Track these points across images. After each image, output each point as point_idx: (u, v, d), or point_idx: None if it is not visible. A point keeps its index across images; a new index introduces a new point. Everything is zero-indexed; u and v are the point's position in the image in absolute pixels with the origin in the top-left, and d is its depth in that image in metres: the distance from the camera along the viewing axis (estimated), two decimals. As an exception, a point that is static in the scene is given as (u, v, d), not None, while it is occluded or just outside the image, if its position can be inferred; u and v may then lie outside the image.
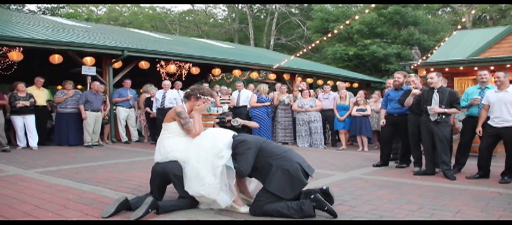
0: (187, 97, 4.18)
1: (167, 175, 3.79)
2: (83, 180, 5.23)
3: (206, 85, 4.50)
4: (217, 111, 9.73)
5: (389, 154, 7.06)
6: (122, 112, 10.63)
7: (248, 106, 10.57)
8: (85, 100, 9.39)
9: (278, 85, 11.63)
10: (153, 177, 3.92)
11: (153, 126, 10.45)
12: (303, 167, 3.69)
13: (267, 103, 10.31)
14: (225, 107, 10.35)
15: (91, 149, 9.09)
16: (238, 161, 3.66)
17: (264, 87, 10.57)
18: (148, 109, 10.58)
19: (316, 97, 10.75)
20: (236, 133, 3.93)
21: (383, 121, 7.01)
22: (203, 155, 3.69)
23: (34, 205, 3.90)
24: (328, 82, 16.93)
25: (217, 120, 6.07)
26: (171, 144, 3.90)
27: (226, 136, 3.81)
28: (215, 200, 3.63)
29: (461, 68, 11.14)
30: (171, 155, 3.86)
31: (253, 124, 6.61)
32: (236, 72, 14.71)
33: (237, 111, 10.20)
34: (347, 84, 17.01)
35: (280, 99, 10.80)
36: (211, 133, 3.88)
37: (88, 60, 10.25)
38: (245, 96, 10.74)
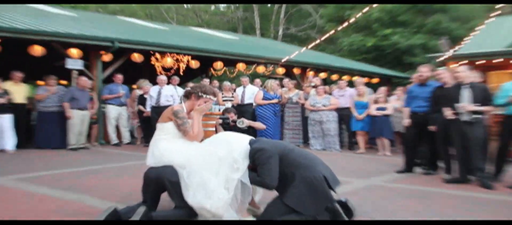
0: (186, 96, 4.17)
1: (162, 181, 3.73)
2: (67, 188, 5.20)
3: (206, 81, 4.46)
4: (219, 110, 9.67)
5: (414, 159, 6.99)
6: (112, 111, 10.61)
7: (254, 104, 10.50)
8: (70, 97, 9.36)
9: (286, 80, 11.54)
10: (146, 184, 3.88)
11: (146, 127, 10.41)
12: (328, 179, 3.57)
13: (274, 101, 10.21)
14: (228, 105, 10.27)
15: (76, 152, 9.07)
16: (261, 173, 3.54)
17: (271, 83, 10.45)
18: (141, 107, 10.54)
19: (330, 94, 10.65)
20: (253, 138, 3.84)
21: (407, 121, 6.94)
22: (215, 164, 3.62)
23: (9, 217, 3.85)
24: (344, 77, 16.80)
25: (220, 121, 5.99)
26: (167, 146, 3.85)
27: (243, 143, 3.72)
28: (222, 216, 3.55)
29: (498, 60, 10.97)
30: (166, 158, 3.80)
31: (259, 125, 6.54)
32: (240, 66, 14.67)
33: (241, 109, 10.13)
34: (366, 79, 16.84)
35: (287, 96, 10.71)
36: (225, 139, 3.81)
37: (74, 52, 10.23)
38: (251, 93, 10.68)
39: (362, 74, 17.26)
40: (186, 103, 4.12)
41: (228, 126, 5.87)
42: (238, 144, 3.68)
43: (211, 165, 3.62)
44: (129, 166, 7.25)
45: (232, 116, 6.18)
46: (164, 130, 3.93)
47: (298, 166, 3.57)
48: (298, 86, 13.05)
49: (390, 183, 6.00)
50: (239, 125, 5.82)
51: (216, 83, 12.25)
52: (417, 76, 7.17)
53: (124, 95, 10.80)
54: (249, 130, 6.05)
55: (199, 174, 3.61)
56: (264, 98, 10.17)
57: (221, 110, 9.19)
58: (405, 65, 23.72)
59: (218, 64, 14.27)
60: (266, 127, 9.06)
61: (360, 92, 10.09)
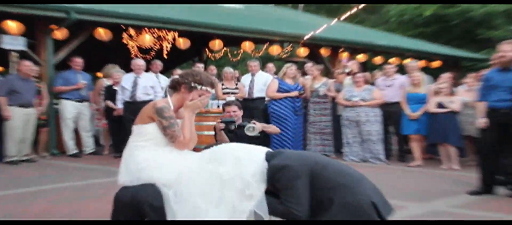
0: (174, 87, 4.20)
1: (140, 206, 3.74)
2: (5, 216, 5.22)
3: (200, 66, 4.52)
4: (218, 106, 9.67)
5: (494, 175, 6.94)
6: (69, 108, 10.65)
7: (266, 99, 10.48)
8: (8, 89, 9.36)
9: (309, 65, 11.50)
10: (117, 210, 3.90)
11: (118, 130, 10.45)
12: (377, 206, 3.56)
13: (294, 93, 10.18)
14: (231, 100, 10.28)
15: (18, 166, 9.13)
16: (285, 201, 3.54)
17: (288, 70, 10.43)
18: (109, 103, 10.56)
19: (372, 84, 10.61)
20: (269, 150, 3.84)
21: (482, 121, 6.90)
22: (216, 187, 3.63)
23: None
24: (392, 60, 16.80)
25: (222, 125, 5.95)
26: (147, 157, 3.87)
27: (257, 158, 3.73)
28: None
29: None
30: (146, 174, 3.82)
31: (273, 128, 6.52)
32: (247, 46, 14.70)
33: (249, 105, 10.13)
34: (423, 63, 16.87)
35: (312, 87, 10.68)
36: (231, 152, 3.83)
37: (13, 26, 10.26)
38: (262, 83, 10.71)
39: (418, 55, 17.25)
40: (174, 97, 4.15)
41: (232, 132, 5.83)
42: (251, 161, 3.69)
43: (211, 188, 3.63)
44: (94, 185, 7.28)
45: (235, 110, 6.16)
46: (144, 135, 3.96)
47: (336, 188, 3.56)
48: (327, 73, 13.02)
49: (459, 208, 5.98)
50: (248, 132, 5.76)
51: (213, 69, 12.24)
52: (497, 57, 7.12)
53: (85, 87, 10.83)
54: (260, 135, 6.03)
55: (191, 202, 3.61)
56: (280, 90, 10.15)
57: (221, 107, 9.22)
58: (479, 42, 23.54)
59: (216, 44, 14.31)
60: (283, 131, 9.06)
61: (414, 80, 10.04)
